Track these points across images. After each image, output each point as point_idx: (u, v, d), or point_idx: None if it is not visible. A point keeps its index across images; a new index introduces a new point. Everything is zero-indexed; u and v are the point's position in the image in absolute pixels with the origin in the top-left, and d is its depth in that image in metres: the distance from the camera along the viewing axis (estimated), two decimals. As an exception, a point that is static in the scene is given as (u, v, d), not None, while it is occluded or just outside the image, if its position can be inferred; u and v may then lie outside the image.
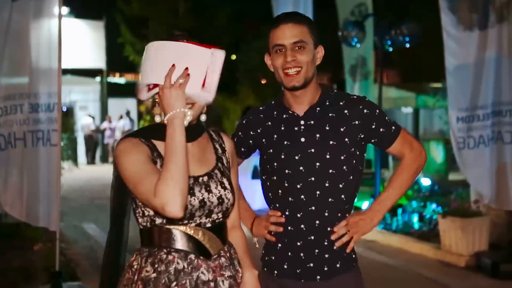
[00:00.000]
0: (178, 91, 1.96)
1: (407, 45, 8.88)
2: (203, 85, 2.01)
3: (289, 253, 2.42)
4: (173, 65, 1.97)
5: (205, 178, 2.11)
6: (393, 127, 2.47)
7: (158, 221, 2.07)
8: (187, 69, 1.97)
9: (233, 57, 20.14)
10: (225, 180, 2.16)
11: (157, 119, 2.10)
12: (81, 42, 20.69)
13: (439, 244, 7.14)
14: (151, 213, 2.06)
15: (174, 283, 2.03)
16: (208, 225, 2.10)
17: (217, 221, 2.13)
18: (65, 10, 18.31)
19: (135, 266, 2.10)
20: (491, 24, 6.35)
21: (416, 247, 7.45)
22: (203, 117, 2.15)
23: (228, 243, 2.22)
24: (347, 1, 10.23)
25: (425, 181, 10.02)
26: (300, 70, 2.35)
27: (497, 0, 6.32)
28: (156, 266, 2.05)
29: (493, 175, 6.45)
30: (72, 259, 6.55)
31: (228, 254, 2.17)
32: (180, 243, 2.06)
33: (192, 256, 2.07)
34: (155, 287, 2.03)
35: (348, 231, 2.41)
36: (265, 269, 2.49)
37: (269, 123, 2.48)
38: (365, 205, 8.86)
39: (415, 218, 8.02)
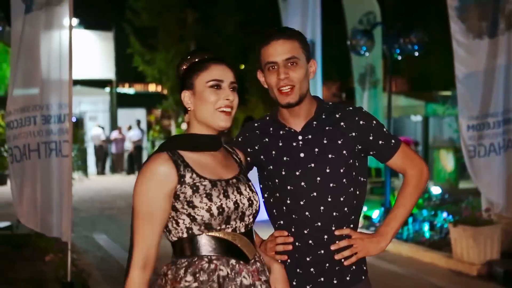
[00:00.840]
0: None
1: (416, 53, 8.87)
2: None
3: (298, 270, 2.39)
4: None
5: (234, 181, 2.16)
6: (393, 141, 2.45)
7: (196, 228, 2.08)
8: None
9: (242, 66, 20.18)
10: (251, 184, 2.23)
11: (184, 126, 2.15)
12: (91, 53, 20.82)
13: (450, 253, 7.10)
14: (187, 221, 2.08)
15: None
16: (242, 230, 2.13)
17: (249, 226, 2.17)
18: (75, 21, 18.44)
19: (169, 276, 2.07)
20: (501, 31, 6.35)
21: (427, 256, 7.41)
22: None
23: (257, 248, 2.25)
24: (355, 10, 10.24)
25: (436, 190, 9.98)
26: (293, 87, 2.34)
27: (506, 7, 6.31)
28: (197, 276, 2.05)
29: (504, 183, 6.43)
30: (84, 269, 6.55)
31: (261, 259, 2.20)
32: (220, 249, 2.08)
33: (233, 261, 2.08)
34: None
35: (352, 245, 2.39)
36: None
37: (266, 139, 2.46)
38: (375, 214, 8.84)
39: (426, 227, 7.98)
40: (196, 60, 2.20)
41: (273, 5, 12.17)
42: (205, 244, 2.07)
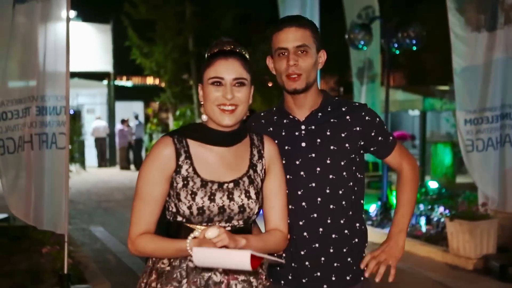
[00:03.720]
0: None
1: (414, 48, 8.86)
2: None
3: (293, 264, 2.39)
4: None
5: (231, 185, 2.12)
6: (391, 137, 2.48)
7: (179, 218, 2.12)
8: None
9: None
10: (251, 189, 2.15)
11: (204, 118, 2.16)
12: (89, 46, 20.75)
13: (446, 247, 7.12)
14: (174, 210, 2.12)
15: (185, 280, 2.08)
16: (228, 229, 2.12)
17: (237, 226, 2.14)
18: (72, 13, 18.38)
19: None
20: (500, 25, 6.33)
21: (423, 250, 7.43)
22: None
23: None
24: (354, 4, 10.22)
25: (433, 184, 9.99)
26: (301, 75, 2.35)
27: (506, 1, 6.30)
28: (171, 260, 2.12)
29: (500, 178, 6.43)
30: (80, 261, 6.57)
31: None
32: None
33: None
34: (167, 279, 2.09)
35: (379, 262, 2.39)
36: (271, 279, 2.46)
37: (271, 128, 2.46)
38: (372, 208, 8.84)
39: (423, 221, 7.99)
40: (209, 54, 2.18)
41: (271, -2, 12.14)
42: (184, 233, 2.09)
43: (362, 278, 2.43)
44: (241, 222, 2.14)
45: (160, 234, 2.13)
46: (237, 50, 2.15)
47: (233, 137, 2.18)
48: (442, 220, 7.65)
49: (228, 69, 2.11)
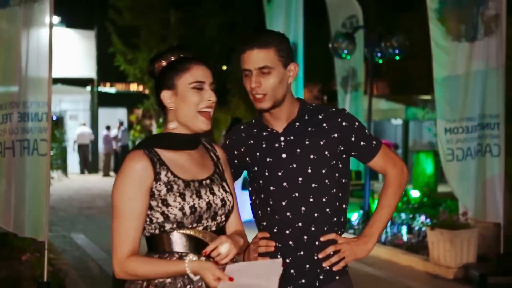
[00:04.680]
0: None
1: (397, 57, 8.93)
2: None
3: None
4: None
5: (208, 181, 2.18)
6: (374, 142, 2.48)
7: (168, 226, 2.11)
8: None
9: (224, 67, 20.17)
10: (224, 184, 2.24)
11: (173, 125, 2.18)
12: (72, 52, 20.68)
13: (427, 256, 7.15)
14: (160, 219, 2.11)
15: (189, 286, 2.08)
16: (213, 228, 2.17)
17: (220, 224, 2.20)
18: (56, 19, 18.30)
19: None
20: (480, 36, 6.42)
21: (404, 259, 7.46)
22: None
23: None
24: (339, 13, 10.30)
25: (414, 193, 10.05)
26: (266, 94, 2.36)
27: (486, 13, 6.38)
28: None
29: (480, 187, 6.49)
30: (61, 269, 6.51)
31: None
32: (191, 246, 2.12)
33: (203, 259, 2.11)
34: None
35: (338, 251, 2.40)
36: None
37: (251, 141, 2.48)
38: (354, 216, 8.87)
39: (404, 230, 8.03)
40: (174, 59, 2.20)
41: (257, 6, 12.19)
42: (176, 241, 2.11)
43: (337, 277, 2.44)
44: (223, 218, 2.20)
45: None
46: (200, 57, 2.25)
47: (195, 140, 2.24)
48: (424, 229, 7.69)
49: (205, 74, 2.18)
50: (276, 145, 2.43)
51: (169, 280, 2.08)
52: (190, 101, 2.14)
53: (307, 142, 2.41)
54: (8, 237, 6.86)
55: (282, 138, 2.43)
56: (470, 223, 6.88)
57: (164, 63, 2.20)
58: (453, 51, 6.54)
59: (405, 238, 7.93)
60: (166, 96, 2.17)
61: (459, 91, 6.51)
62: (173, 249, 2.11)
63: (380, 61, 9.42)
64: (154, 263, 2.05)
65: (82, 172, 20.66)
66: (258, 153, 2.43)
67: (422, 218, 7.93)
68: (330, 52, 9.35)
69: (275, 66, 2.36)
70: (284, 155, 2.41)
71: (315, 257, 2.39)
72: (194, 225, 2.12)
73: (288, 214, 2.39)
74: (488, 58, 6.38)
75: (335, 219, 2.43)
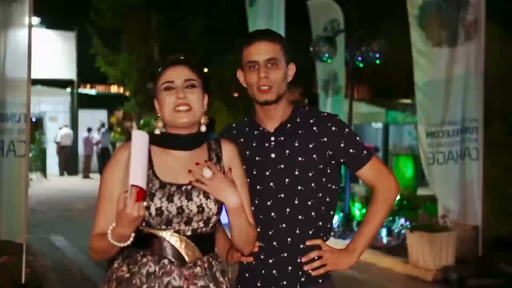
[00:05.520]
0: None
1: (377, 61, 8.99)
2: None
3: (263, 271, 2.41)
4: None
5: (189, 187, 2.17)
6: (365, 151, 2.47)
7: None
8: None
9: (205, 70, 20.15)
10: None
11: (157, 131, 2.24)
12: (52, 53, 20.50)
13: (407, 259, 7.20)
14: None
15: (145, 286, 2.10)
16: (188, 233, 2.15)
17: (198, 230, 2.17)
18: (36, 20, 18.14)
19: (115, 265, 2.20)
20: (461, 41, 6.48)
21: (384, 261, 7.51)
22: (203, 128, 2.25)
23: (214, 255, 2.24)
24: (320, 17, 10.34)
25: (394, 196, 10.08)
26: (272, 86, 2.39)
27: (466, 18, 6.45)
28: (130, 267, 2.14)
29: (460, 190, 6.55)
30: (39, 272, 6.45)
31: (206, 265, 2.19)
32: (156, 247, 2.13)
33: (166, 261, 2.12)
34: (127, 286, 2.11)
35: (321, 257, 2.40)
36: (239, 286, 2.47)
37: (242, 139, 2.48)
38: (334, 219, 8.90)
39: (384, 233, 8.08)
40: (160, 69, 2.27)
41: (238, 10, 12.20)
42: (143, 239, 2.13)
43: (320, 281, 2.45)
44: (201, 224, 2.17)
45: None
46: (183, 57, 2.26)
47: (191, 141, 2.23)
48: (403, 231, 7.74)
49: (176, 73, 2.21)
50: (266, 144, 2.44)
51: (127, 275, 2.12)
52: (164, 103, 2.20)
53: (296, 144, 2.42)
54: (-15, 240, 6.79)
55: (272, 138, 2.44)
56: (449, 226, 6.95)
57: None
58: (434, 57, 6.60)
59: (384, 240, 7.98)
60: (155, 104, 2.27)
61: (441, 96, 6.58)
62: (138, 246, 2.13)
63: (361, 65, 9.48)
64: (103, 238, 2.08)
65: (61, 174, 20.51)
66: (247, 152, 2.43)
67: (402, 220, 7.99)
68: (312, 55, 9.39)
69: (281, 60, 2.41)
70: (273, 155, 2.42)
71: (298, 260, 2.40)
72: (163, 226, 2.13)
73: (273, 214, 2.39)
74: (469, 63, 6.45)
75: (320, 223, 2.43)
